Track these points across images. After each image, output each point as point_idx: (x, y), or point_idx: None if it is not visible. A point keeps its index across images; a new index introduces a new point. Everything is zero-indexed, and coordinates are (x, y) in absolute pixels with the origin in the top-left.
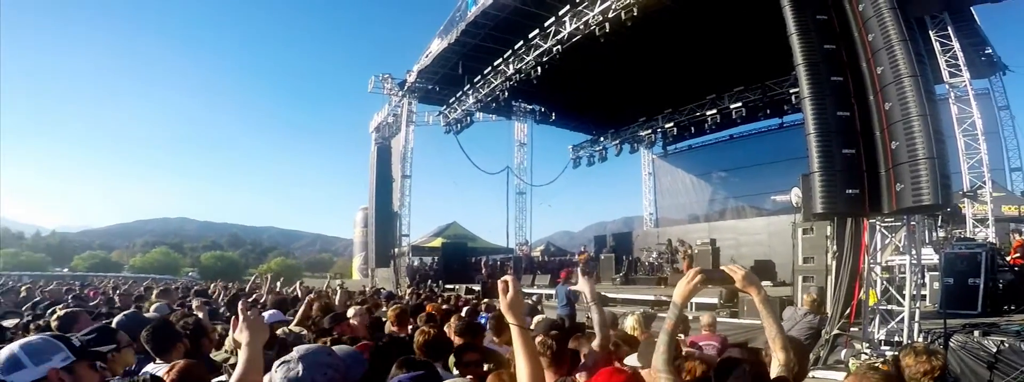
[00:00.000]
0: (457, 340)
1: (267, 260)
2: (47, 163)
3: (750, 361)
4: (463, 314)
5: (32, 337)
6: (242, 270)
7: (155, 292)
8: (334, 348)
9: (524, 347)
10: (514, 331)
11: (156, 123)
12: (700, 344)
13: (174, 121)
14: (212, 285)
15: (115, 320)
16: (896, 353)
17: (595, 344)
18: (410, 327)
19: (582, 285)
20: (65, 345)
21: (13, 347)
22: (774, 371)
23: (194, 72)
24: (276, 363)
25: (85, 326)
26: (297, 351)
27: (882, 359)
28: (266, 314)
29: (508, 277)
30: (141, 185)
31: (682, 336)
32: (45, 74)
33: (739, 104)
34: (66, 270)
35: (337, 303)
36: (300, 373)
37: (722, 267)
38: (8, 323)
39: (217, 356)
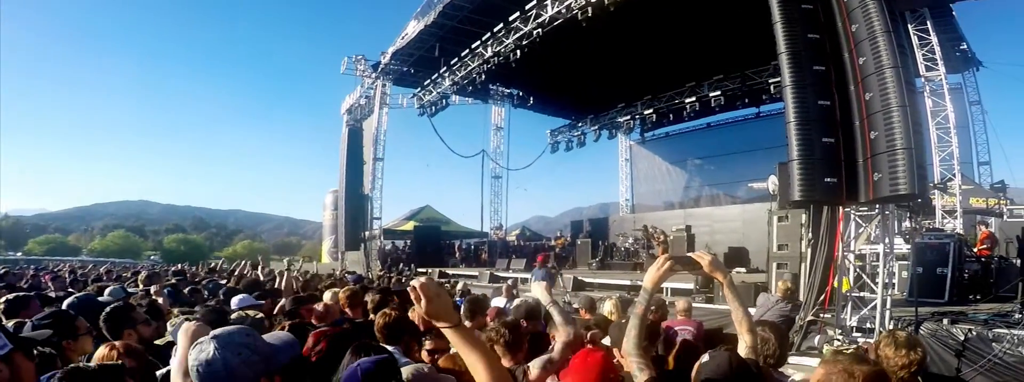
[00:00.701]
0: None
1: (233, 243)
2: (1, 144)
3: (727, 345)
4: None
5: None
6: (207, 254)
7: (141, 276)
8: (268, 334)
9: (466, 344)
10: (450, 334)
11: (116, 103)
12: (676, 329)
13: (135, 101)
14: (184, 267)
15: (66, 303)
16: (873, 340)
17: (566, 341)
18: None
19: (537, 291)
20: (1, 333)
21: None
22: (742, 352)
23: (157, 50)
24: (192, 346)
25: (34, 311)
26: (213, 331)
27: (854, 345)
28: (235, 298)
29: (416, 282)
30: (100, 167)
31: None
32: None
33: (718, 92)
34: (20, 254)
35: (283, 286)
36: (210, 353)
37: (690, 253)
38: None
39: (161, 341)
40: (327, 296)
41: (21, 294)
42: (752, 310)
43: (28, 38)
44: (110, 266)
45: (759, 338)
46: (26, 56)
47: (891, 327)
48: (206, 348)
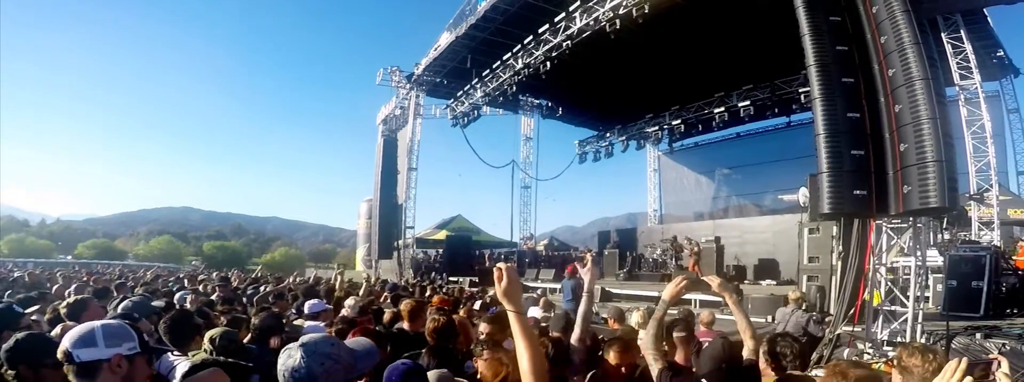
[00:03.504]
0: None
1: (271, 250)
2: (54, 151)
3: (726, 340)
4: (477, 307)
5: (112, 320)
6: (245, 260)
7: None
8: (350, 340)
9: (523, 332)
10: (512, 317)
11: (162, 113)
12: (699, 341)
13: (180, 111)
14: (217, 274)
15: (121, 306)
16: (895, 353)
17: (574, 338)
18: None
19: (585, 274)
20: (136, 336)
21: (95, 324)
22: (746, 354)
23: (203, 62)
24: (282, 351)
25: (95, 314)
26: (301, 339)
27: (884, 359)
28: (308, 303)
29: (502, 264)
30: (146, 174)
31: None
32: (52, 63)
33: (747, 102)
34: (70, 257)
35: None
36: (297, 361)
37: (703, 277)
38: (29, 309)
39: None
40: (350, 302)
41: (82, 297)
42: (762, 320)
43: (78, 54)
44: (156, 270)
45: (784, 347)
46: (83, 70)
47: (923, 341)
48: (294, 355)
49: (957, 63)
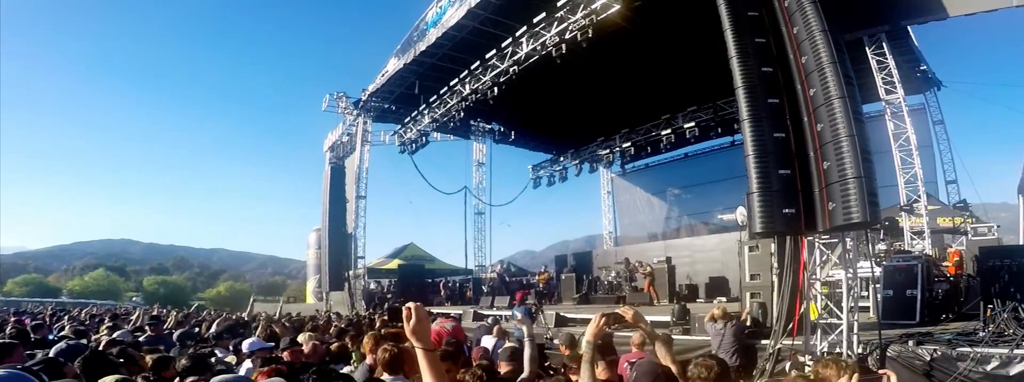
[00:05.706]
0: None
1: (216, 284)
2: None
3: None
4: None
5: (2, 371)
6: (189, 295)
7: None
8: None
9: (431, 369)
10: (420, 354)
11: (97, 139)
12: (631, 361)
13: (117, 138)
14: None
15: (54, 349)
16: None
17: (523, 377)
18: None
19: (521, 324)
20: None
21: None
22: None
23: (141, 86)
24: None
25: (18, 359)
26: (215, 379)
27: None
28: (246, 342)
29: (411, 304)
30: (81, 204)
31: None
32: None
33: (692, 123)
34: None
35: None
36: None
37: (616, 310)
38: None
39: None
40: (303, 338)
41: (5, 342)
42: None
43: (6, 69)
44: (93, 308)
45: (702, 366)
46: (7, 91)
47: (859, 351)
48: None
49: (882, 78)
